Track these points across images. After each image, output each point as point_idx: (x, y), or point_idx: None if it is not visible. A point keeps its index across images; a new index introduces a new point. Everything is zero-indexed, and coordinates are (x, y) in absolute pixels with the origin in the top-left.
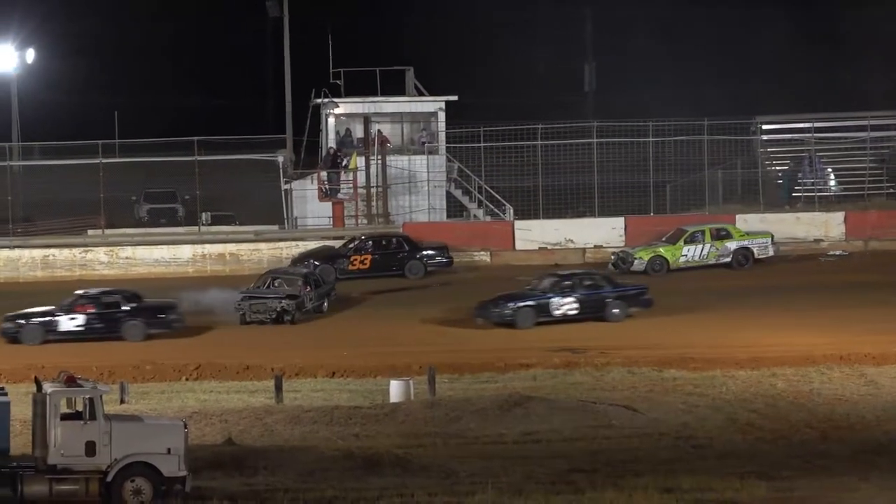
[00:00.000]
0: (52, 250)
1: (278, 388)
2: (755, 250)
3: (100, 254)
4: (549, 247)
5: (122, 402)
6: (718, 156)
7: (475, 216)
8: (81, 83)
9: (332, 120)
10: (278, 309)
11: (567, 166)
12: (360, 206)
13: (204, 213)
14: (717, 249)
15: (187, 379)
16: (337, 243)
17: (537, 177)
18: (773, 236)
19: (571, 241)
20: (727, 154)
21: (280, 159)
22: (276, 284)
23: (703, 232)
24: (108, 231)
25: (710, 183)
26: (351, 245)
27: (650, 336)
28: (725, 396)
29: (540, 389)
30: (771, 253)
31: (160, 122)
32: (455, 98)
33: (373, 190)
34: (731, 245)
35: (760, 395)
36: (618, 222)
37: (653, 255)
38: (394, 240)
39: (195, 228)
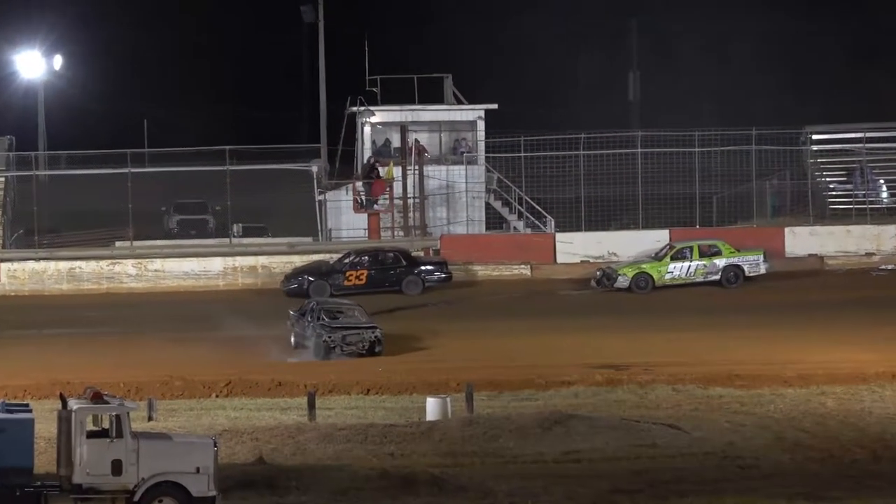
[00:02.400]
0: (79, 262)
1: (311, 405)
2: (746, 268)
3: (128, 266)
4: (592, 260)
5: (149, 419)
6: (767, 167)
7: (515, 228)
8: (110, 91)
9: (367, 129)
10: (372, 339)
11: (610, 177)
12: (396, 218)
13: (235, 225)
14: (706, 266)
15: (217, 396)
16: (333, 258)
17: (579, 188)
18: (765, 253)
19: (615, 255)
20: (776, 165)
21: (314, 169)
22: (335, 314)
23: (691, 248)
24: (136, 243)
25: (757, 195)
26: (346, 260)
27: (695, 352)
28: (773, 415)
29: (581, 407)
30: (763, 270)
31: (191, 130)
32: (495, 106)
33: (409, 201)
34: (720, 262)
35: (809, 413)
36: (662, 235)
37: (637, 271)
38: (390, 254)
39: (226, 240)
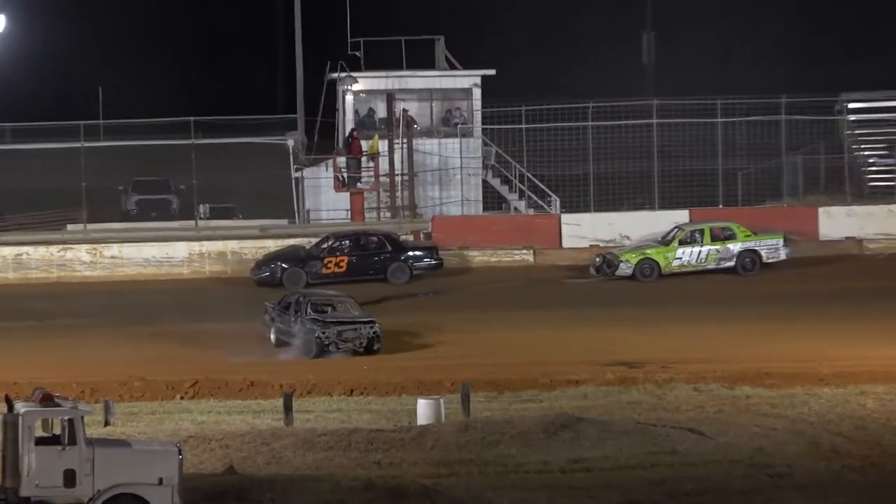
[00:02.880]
0: (26, 248)
1: (288, 408)
2: (763, 253)
3: (81, 252)
4: (602, 244)
5: (106, 423)
6: (798, 139)
7: (516, 209)
8: (60, 55)
9: (350, 98)
10: (371, 335)
11: (622, 151)
12: (382, 198)
13: (202, 206)
14: (718, 252)
15: (182, 397)
16: (310, 242)
17: (588, 163)
18: (785, 237)
19: (627, 238)
20: (808, 137)
21: (290, 143)
22: (324, 308)
23: (701, 231)
24: (90, 226)
25: (788, 170)
26: (324, 245)
27: (720, 348)
28: (807, 418)
29: (591, 409)
30: (782, 256)
31: (151, 100)
32: (492, 72)
33: (397, 178)
34: (735, 247)
35: (847, 416)
36: (681, 216)
37: (641, 257)
38: (374, 239)
39: (191, 223)
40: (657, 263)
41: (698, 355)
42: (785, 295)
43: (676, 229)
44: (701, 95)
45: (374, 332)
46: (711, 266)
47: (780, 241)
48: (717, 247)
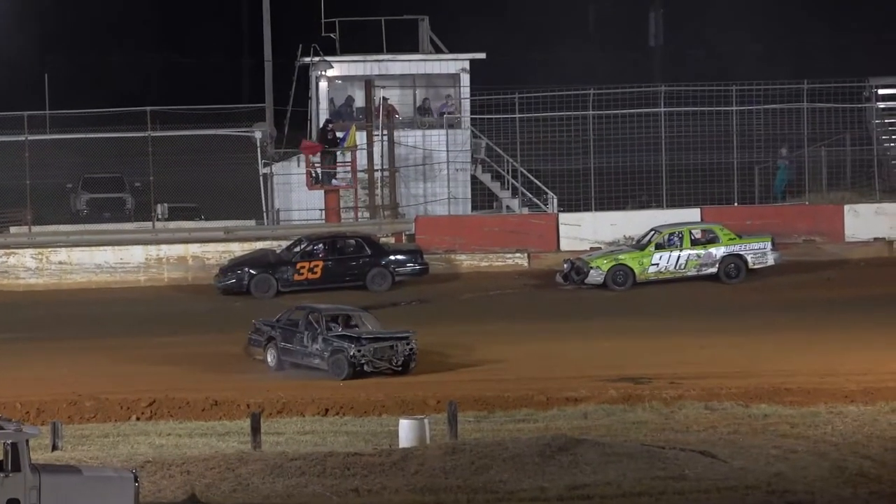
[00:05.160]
0: None
1: (255, 429)
2: (749, 258)
3: (25, 258)
4: (605, 246)
5: (54, 448)
6: (822, 129)
7: (508, 208)
8: (1, 37)
9: (324, 84)
10: (407, 353)
11: (627, 143)
12: (360, 196)
13: (160, 205)
14: (699, 257)
15: (138, 418)
16: (280, 245)
17: (588, 157)
18: (773, 240)
19: (632, 240)
20: (833, 127)
21: (257, 135)
22: (342, 324)
23: (680, 235)
24: (35, 229)
25: (811, 164)
26: (297, 249)
27: (734, 361)
28: (831, 439)
29: (592, 430)
30: (770, 262)
31: (103, 88)
32: (482, 56)
33: (377, 174)
34: (717, 251)
35: (876, 436)
36: (692, 214)
37: (614, 263)
38: (352, 241)
39: (148, 225)
40: (631, 270)
41: (709, 369)
42: (799, 302)
43: (653, 232)
44: (714, 81)
45: (411, 349)
46: (692, 273)
47: (768, 245)
48: (698, 251)
